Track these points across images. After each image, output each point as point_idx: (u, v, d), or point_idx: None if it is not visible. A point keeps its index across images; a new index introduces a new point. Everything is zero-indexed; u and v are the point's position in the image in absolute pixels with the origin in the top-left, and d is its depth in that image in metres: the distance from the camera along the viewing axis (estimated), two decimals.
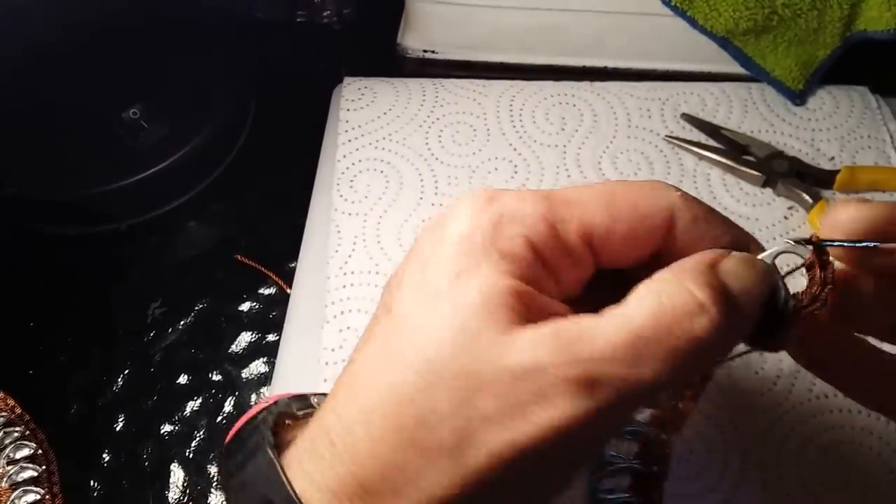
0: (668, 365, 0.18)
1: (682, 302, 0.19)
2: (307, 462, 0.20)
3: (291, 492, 0.20)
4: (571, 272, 0.22)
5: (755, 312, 0.21)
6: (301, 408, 0.24)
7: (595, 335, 0.19)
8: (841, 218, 0.22)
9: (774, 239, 0.43)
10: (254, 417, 0.23)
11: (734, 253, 0.21)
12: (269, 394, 0.39)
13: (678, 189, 0.22)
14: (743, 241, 0.22)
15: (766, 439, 0.36)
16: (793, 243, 0.22)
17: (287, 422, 0.23)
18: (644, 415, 0.23)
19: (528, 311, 0.20)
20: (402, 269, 0.22)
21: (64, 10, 0.52)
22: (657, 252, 0.22)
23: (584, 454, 0.21)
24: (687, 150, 0.47)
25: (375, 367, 0.20)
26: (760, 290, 0.21)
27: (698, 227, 0.22)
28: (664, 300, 0.19)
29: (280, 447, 0.21)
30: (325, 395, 0.24)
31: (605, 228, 0.21)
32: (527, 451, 0.18)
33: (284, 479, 0.20)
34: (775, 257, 0.22)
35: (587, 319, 0.19)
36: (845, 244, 0.22)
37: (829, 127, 0.48)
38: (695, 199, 0.22)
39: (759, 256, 0.22)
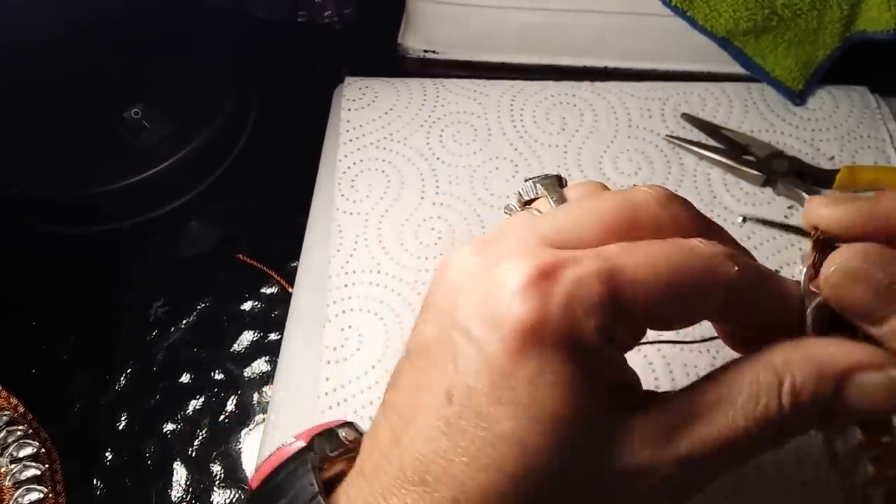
0: (750, 453, 0.20)
1: (775, 404, 0.20)
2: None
3: None
4: (629, 341, 0.22)
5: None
6: (333, 448, 0.23)
7: (693, 423, 0.20)
8: (822, 214, 0.22)
9: (774, 238, 0.43)
10: (288, 462, 0.22)
11: (879, 369, 0.20)
12: (272, 393, 0.39)
13: (735, 259, 0.21)
14: (796, 303, 0.22)
15: None
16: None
17: (324, 465, 0.23)
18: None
19: (605, 400, 0.20)
20: (438, 342, 0.21)
21: (65, 10, 0.52)
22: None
23: None
24: (687, 149, 0.47)
25: (454, 460, 0.19)
26: (882, 409, 0.21)
27: (753, 299, 0.22)
28: (759, 391, 0.20)
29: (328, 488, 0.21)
30: (348, 424, 0.24)
31: (665, 308, 0.21)
32: None
33: None
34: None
35: (683, 407, 0.20)
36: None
37: (828, 127, 0.49)
38: (752, 270, 0.22)
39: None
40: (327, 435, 0.23)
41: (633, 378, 0.22)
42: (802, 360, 0.20)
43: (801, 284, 0.22)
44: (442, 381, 0.20)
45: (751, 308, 0.22)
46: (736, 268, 0.21)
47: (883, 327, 0.21)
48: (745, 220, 0.24)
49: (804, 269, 0.22)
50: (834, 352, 0.20)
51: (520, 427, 0.19)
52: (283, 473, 0.22)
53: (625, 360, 0.21)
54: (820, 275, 0.22)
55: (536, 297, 0.19)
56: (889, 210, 0.22)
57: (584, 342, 0.19)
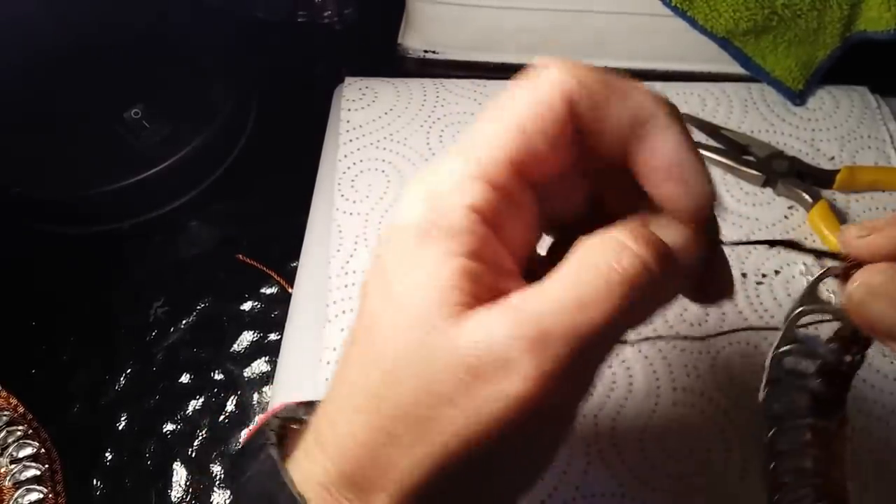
0: (613, 305, 0.19)
1: (613, 247, 0.19)
2: (302, 459, 0.21)
3: (289, 483, 0.21)
4: (517, 221, 0.21)
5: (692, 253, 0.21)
6: (307, 413, 0.24)
7: (540, 297, 0.19)
8: (855, 245, 0.23)
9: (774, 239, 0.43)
10: (264, 424, 0.24)
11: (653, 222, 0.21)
12: (272, 393, 0.39)
13: (568, 66, 0.21)
14: (647, 109, 0.21)
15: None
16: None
17: (293, 426, 0.24)
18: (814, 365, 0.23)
19: (479, 289, 0.20)
20: (368, 272, 0.22)
21: (66, 10, 0.52)
22: (583, 159, 0.22)
23: (559, 416, 0.21)
24: None
25: (350, 367, 0.21)
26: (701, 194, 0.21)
27: (602, 111, 0.21)
28: (596, 250, 0.20)
29: (287, 449, 0.22)
30: None
31: (526, 151, 0.21)
32: (496, 427, 0.18)
33: (283, 472, 0.21)
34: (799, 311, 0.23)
35: (532, 287, 0.20)
36: None
37: (829, 127, 0.49)
38: (588, 74, 0.21)
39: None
40: (310, 403, 0.25)
41: (512, 279, 0.21)
42: (621, 222, 0.21)
43: (807, 287, 0.23)
44: (360, 302, 0.22)
45: (608, 119, 0.21)
46: (574, 79, 0.21)
47: None
48: (771, 244, 0.24)
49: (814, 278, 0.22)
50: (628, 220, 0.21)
51: (384, 312, 0.20)
52: (257, 434, 0.24)
53: (512, 243, 0.21)
54: (844, 293, 0.22)
55: (409, 203, 0.21)
56: None
57: (449, 225, 0.20)
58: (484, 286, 0.20)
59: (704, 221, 0.22)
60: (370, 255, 0.42)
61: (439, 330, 0.19)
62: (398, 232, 0.21)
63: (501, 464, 0.20)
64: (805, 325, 0.23)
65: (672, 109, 0.21)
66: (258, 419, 0.24)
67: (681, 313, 0.40)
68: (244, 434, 0.24)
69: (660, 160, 0.21)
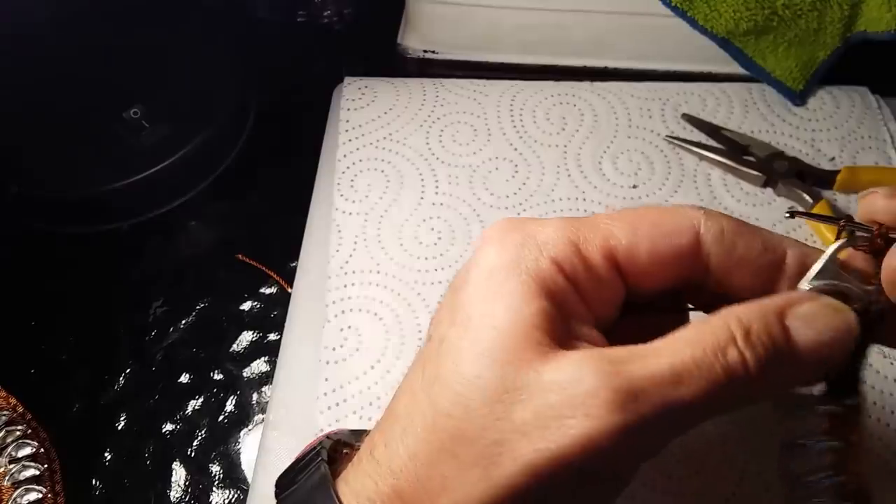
0: (705, 392, 0.19)
1: (724, 335, 0.19)
2: (352, 478, 0.21)
3: (334, 495, 0.21)
4: (600, 295, 0.22)
5: (826, 356, 0.20)
6: (359, 439, 0.24)
7: (639, 357, 0.19)
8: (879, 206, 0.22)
9: (792, 231, 0.43)
10: (313, 447, 0.24)
11: (814, 299, 0.21)
12: (271, 393, 0.39)
13: (703, 208, 0.22)
14: (778, 247, 0.22)
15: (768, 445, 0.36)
16: (847, 238, 0.22)
17: (345, 451, 0.24)
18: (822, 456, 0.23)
19: (558, 334, 0.20)
20: (440, 303, 0.23)
21: (66, 10, 0.52)
22: (692, 279, 0.22)
23: (619, 472, 0.21)
24: (687, 150, 0.47)
25: (415, 388, 0.21)
26: (834, 337, 0.20)
27: (728, 241, 0.22)
28: (709, 331, 0.20)
29: (336, 473, 0.22)
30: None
31: (628, 246, 0.22)
32: (560, 463, 0.19)
33: (331, 485, 0.21)
34: (837, 251, 0.22)
35: (632, 346, 0.20)
36: None
37: (829, 127, 0.49)
38: (721, 214, 0.22)
39: (820, 262, 0.22)
40: (359, 432, 0.25)
41: (591, 334, 0.21)
42: (746, 306, 0.20)
43: (827, 254, 0.22)
44: (429, 330, 0.23)
45: (732, 256, 0.22)
46: (703, 210, 0.22)
47: None
48: (792, 214, 0.24)
49: (820, 261, 0.22)
50: (772, 297, 0.21)
51: (459, 338, 0.21)
52: (308, 455, 0.24)
53: (587, 311, 0.22)
54: (884, 267, 0.21)
55: (499, 243, 0.22)
56: None
57: (535, 271, 0.21)
58: (563, 334, 0.20)
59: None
60: (370, 255, 0.42)
61: (522, 363, 0.19)
62: (479, 265, 0.22)
63: (552, 501, 0.20)
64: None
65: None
66: (308, 444, 0.25)
67: None
68: (298, 452, 0.25)
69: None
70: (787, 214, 0.24)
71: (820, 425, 0.22)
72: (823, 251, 0.22)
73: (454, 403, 0.20)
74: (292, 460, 0.24)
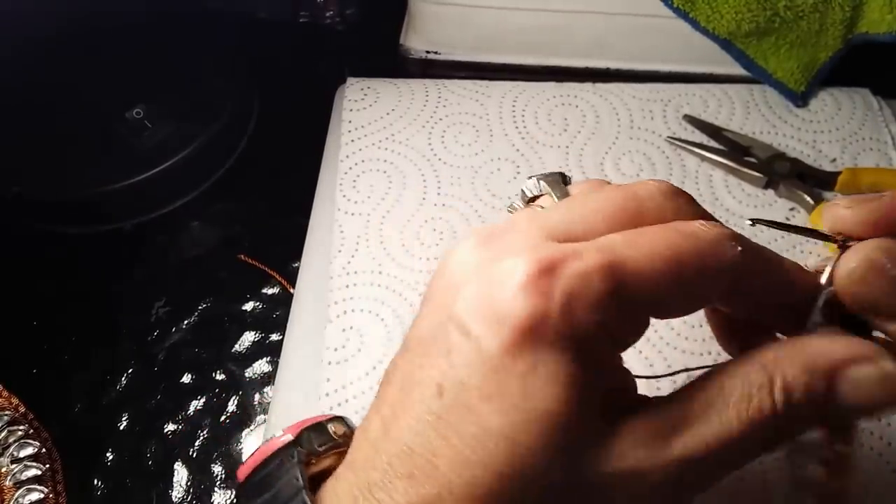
0: (744, 455, 0.20)
1: (756, 381, 0.19)
2: None
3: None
4: (630, 336, 0.21)
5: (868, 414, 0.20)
6: (322, 443, 0.23)
7: (685, 427, 0.19)
8: (843, 214, 0.22)
9: (776, 240, 0.43)
10: (274, 455, 0.22)
11: (871, 363, 0.20)
12: (273, 393, 0.39)
13: (739, 243, 0.21)
14: (793, 288, 0.22)
15: None
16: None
17: (312, 460, 0.22)
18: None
19: (599, 405, 0.19)
20: (432, 332, 0.21)
21: (67, 10, 0.52)
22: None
23: None
24: (689, 151, 0.47)
25: (442, 455, 0.19)
26: (877, 405, 0.20)
27: (757, 282, 0.22)
28: (741, 377, 0.20)
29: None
30: (339, 418, 0.24)
31: (669, 297, 0.20)
32: None
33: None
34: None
35: (675, 410, 0.20)
36: None
37: (830, 129, 0.49)
38: (755, 253, 0.21)
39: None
40: (317, 429, 0.23)
41: (629, 380, 0.21)
42: (793, 356, 0.20)
43: (823, 281, 0.22)
44: (434, 375, 0.20)
45: (754, 291, 0.22)
46: (739, 248, 0.21)
47: None
48: (753, 222, 0.23)
49: (827, 268, 0.22)
50: (825, 347, 0.20)
51: (509, 423, 0.18)
52: (270, 466, 0.22)
53: (622, 361, 0.21)
54: (837, 270, 0.21)
55: (537, 294, 0.19)
56: None
57: (583, 339, 0.19)
58: (602, 397, 0.19)
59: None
60: (372, 256, 0.42)
61: (582, 448, 0.19)
62: (510, 318, 0.19)
63: None
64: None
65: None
66: (263, 451, 0.23)
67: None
68: (248, 465, 0.23)
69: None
70: (749, 222, 0.24)
71: (816, 471, 0.23)
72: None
73: (502, 495, 0.18)
74: (248, 471, 0.22)
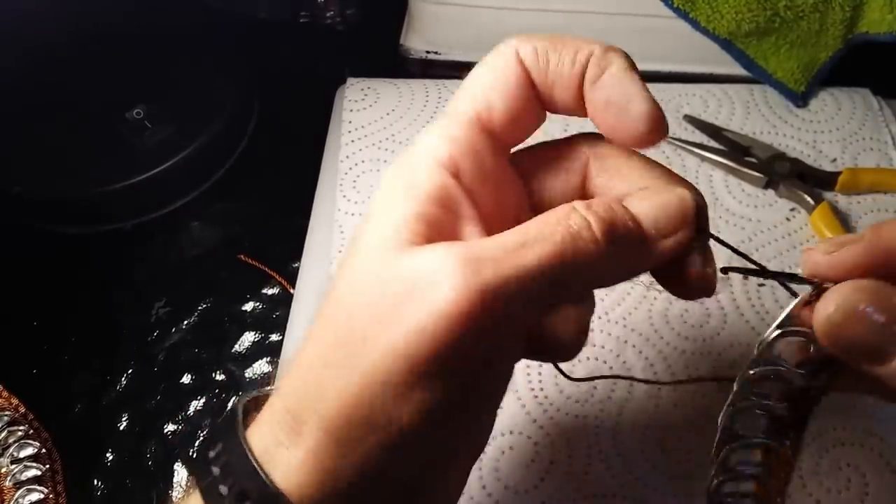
0: (550, 255, 0.19)
1: (566, 210, 0.20)
2: (261, 411, 0.22)
3: (240, 435, 0.21)
4: (494, 182, 0.22)
5: (670, 230, 0.21)
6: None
7: (489, 239, 0.20)
8: (819, 262, 0.22)
9: (776, 241, 0.43)
10: (235, 402, 0.24)
11: (656, 191, 0.22)
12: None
13: (519, 37, 0.23)
14: (585, 54, 0.22)
15: None
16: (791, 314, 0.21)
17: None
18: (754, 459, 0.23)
19: (432, 232, 0.20)
20: None
21: (68, 11, 0.52)
22: (542, 108, 0.23)
23: (487, 361, 0.20)
24: (689, 151, 0.47)
25: (317, 310, 0.21)
26: (673, 211, 0.21)
27: (541, 60, 0.22)
28: (552, 213, 0.20)
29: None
30: None
31: (485, 106, 0.22)
32: (418, 346, 0.18)
33: (238, 427, 0.21)
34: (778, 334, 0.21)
35: (489, 237, 0.20)
36: None
37: (830, 129, 0.49)
38: (536, 36, 0.22)
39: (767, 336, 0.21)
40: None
41: (473, 232, 0.22)
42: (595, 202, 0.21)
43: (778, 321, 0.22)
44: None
45: (545, 76, 0.23)
46: (515, 39, 0.22)
47: (891, 364, 0.20)
48: (725, 271, 0.23)
49: (788, 307, 0.22)
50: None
51: (348, 258, 0.21)
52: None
53: (474, 215, 0.22)
54: (815, 316, 0.20)
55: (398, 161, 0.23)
56: (890, 243, 0.21)
57: (417, 180, 0.21)
58: (439, 230, 0.21)
59: (647, 145, 0.23)
60: None
61: (385, 260, 0.20)
62: (382, 185, 0.22)
63: (422, 388, 0.19)
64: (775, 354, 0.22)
65: (616, 51, 0.22)
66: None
67: (681, 314, 0.40)
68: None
69: (600, 93, 0.22)
70: (721, 272, 0.24)
71: (755, 456, 0.23)
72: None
73: (332, 310, 0.20)
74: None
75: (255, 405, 0.23)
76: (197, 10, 0.55)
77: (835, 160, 0.47)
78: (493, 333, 0.19)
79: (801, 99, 0.49)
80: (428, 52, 0.53)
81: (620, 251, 0.21)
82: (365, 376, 0.19)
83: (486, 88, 0.22)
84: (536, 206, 0.24)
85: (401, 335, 0.18)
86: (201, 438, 0.23)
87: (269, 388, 0.25)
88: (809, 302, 0.21)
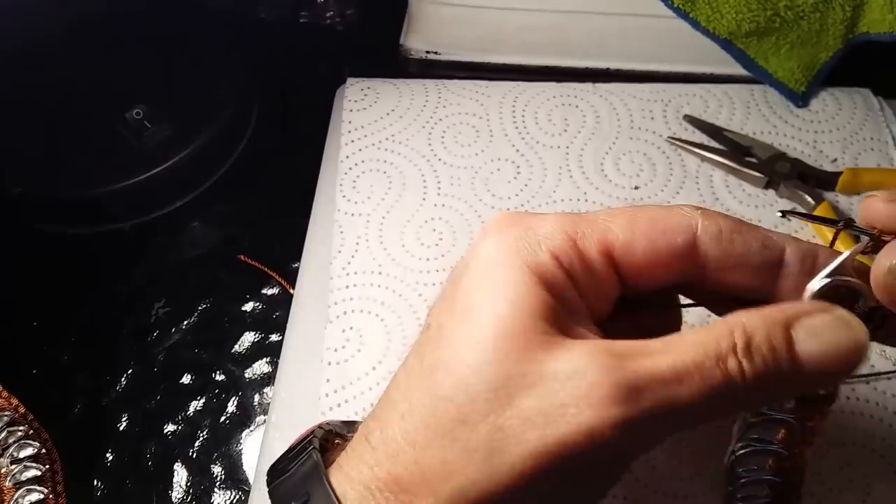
0: (703, 395, 0.19)
1: (725, 344, 0.19)
2: (346, 464, 0.21)
3: (327, 485, 0.21)
4: (596, 290, 0.22)
5: (832, 370, 0.20)
6: (350, 430, 0.24)
7: (642, 354, 0.19)
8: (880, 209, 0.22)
9: (800, 230, 0.43)
10: (306, 436, 0.24)
11: (826, 311, 0.20)
12: (273, 394, 0.39)
13: (701, 208, 0.22)
14: (776, 245, 0.22)
15: None
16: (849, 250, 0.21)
17: (336, 441, 0.24)
18: (778, 434, 0.23)
19: (560, 326, 0.20)
20: (440, 294, 0.23)
21: (67, 10, 0.52)
22: (690, 277, 0.22)
23: (617, 464, 0.21)
24: (689, 151, 0.47)
25: (412, 374, 0.21)
26: (841, 352, 0.20)
27: (725, 241, 0.22)
28: (714, 337, 0.20)
29: (328, 462, 0.22)
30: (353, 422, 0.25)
31: (625, 242, 0.22)
32: (564, 452, 0.19)
33: (324, 476, 0.21)
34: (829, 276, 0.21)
35: (635, 342, 0.20)
36: None
37: (831, 129, 0.49)
38: (719, 213, 0.22)
39: (820, 276, 0.21)
40: (351, 423, 0.25)
41: (589, 327, 0.22)
42: (751, 313, 0.20)
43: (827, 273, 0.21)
44: (427, 319, 0.23)
45: (731, 255, 0.22)
46: (700, 210, 0.22)
47: None
48: (783, 214, 0.23)
49: (836, 260, 0.21)
50: (780, 305, 0.21)
51: (459, 325, 0.21)
52: (299, 445, 0.24)
53: (584, 307, 0.22)
54: (875, 267, 0.20)
55: (499, 235, 0.22)
56: None
57: (534, 263, 0.21)
58: (564, 325, 0.20)
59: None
60: (372, 256, 0.42)
61: (526, 352, 0.19)
62: (479, 255, 0.22)
63: (551, 491, 0.20)
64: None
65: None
66: (299, 435, 0.25)
67: None
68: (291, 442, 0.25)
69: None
70: (780, 214, 0.24)
71: (777, 432, 0.23)
72: (821, 246, 0.22)
73: (456, 389, 0.20)
74: (285, 449, 0.24)
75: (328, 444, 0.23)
76: (197, 11, 0.55)
77: (835, 160, 0.47)
78: (628, 456, 0.20)
79: (801, 99, 0.49)
80: (428, 52, 0.53)
81: (768, 389, 0.20)
82: (503, 475, 0.19)
83: (641, 234, 0.22)
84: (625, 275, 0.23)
85: (546, 443, 0.19)
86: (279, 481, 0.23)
87: (336, 425, 0.25)
88: (864, 252, 0.21)
